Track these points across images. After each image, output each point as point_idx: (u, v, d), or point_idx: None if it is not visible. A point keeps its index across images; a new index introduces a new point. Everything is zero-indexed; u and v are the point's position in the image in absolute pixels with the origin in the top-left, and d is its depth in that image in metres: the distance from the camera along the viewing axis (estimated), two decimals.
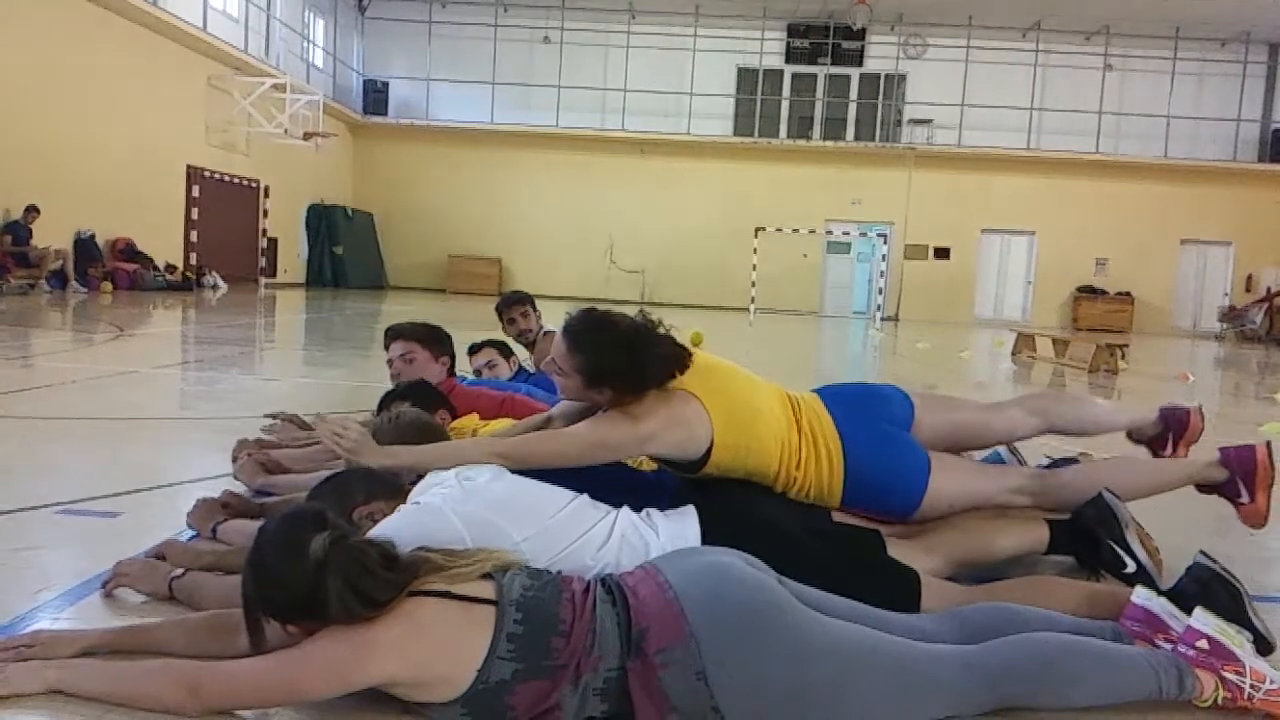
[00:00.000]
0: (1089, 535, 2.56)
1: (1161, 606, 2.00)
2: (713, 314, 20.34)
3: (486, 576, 1.78)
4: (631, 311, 2.48)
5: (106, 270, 15.08)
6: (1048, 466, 3.09)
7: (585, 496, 2.23)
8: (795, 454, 2.53)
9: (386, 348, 3.89)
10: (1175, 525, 3.13)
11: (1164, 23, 22.74)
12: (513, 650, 1.67)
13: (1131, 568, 2.47)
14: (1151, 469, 2.96)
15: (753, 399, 2.52)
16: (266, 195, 20.34)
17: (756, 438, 2.47)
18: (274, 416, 4.20)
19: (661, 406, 2.38)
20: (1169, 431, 3.07)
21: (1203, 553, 2.25)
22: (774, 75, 24.71)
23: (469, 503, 2.05)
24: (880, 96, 24.53)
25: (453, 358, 3.96)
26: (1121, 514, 2.53)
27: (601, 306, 2.55)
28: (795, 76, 24.72)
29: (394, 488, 2.27)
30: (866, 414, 2.65)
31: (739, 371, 2.61)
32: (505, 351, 4.65)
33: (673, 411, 2.38)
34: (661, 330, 2.44)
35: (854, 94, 24.71)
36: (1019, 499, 2.70)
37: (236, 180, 19.26)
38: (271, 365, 7.98)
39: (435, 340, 3.87)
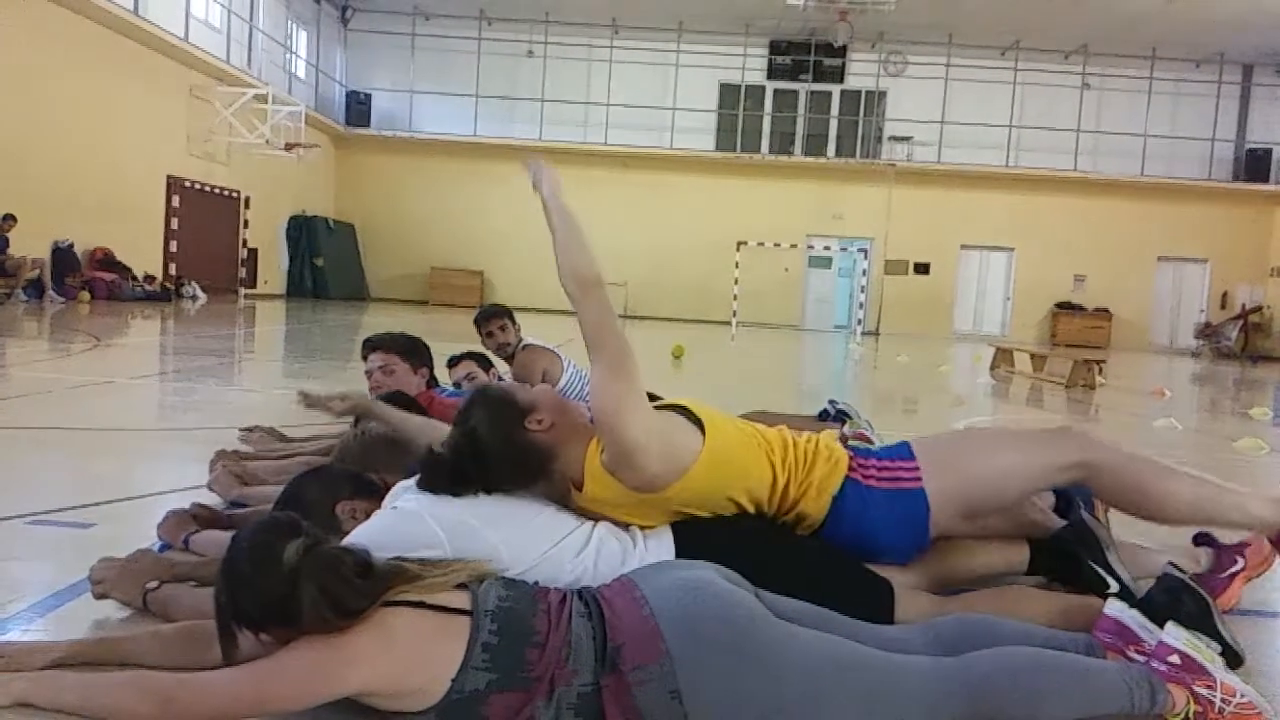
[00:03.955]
0: (1070, 556, 2.54)
1: (1134, 619, 2.01)
2: (695, 327, 20.37)
3: (462, 586, 1.78)
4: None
5: (84, 280, 14.96)
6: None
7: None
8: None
9: (364, 359, 3.89)
10: (1146, 538, 3.15)
11: (1141, 43, 23.04)
12: (487, 661, 1.67)
13: (1115, 588, 2.44)
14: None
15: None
16: (247, 206, 20.25)
17: None
18: (250, 429, 4.17)
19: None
20: None
21: (1171, 563, 2.27)
22: (756, 91, 24.85)
23: (445, 505, 2.05)
24: (861, 113, 24.71)
25: (431, 369, 3.96)
26: (1101, 535, 2.52)
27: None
28: (777, 93, 24.88)
29: (374, 489, 2.28)
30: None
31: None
32: (485, 364, 4.66)
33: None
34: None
35: (835, 110, 24.88)
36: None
37: (217, 190, 19.17)
38: (249, 376, 7.93)
39: (414, 352, 3.86)
